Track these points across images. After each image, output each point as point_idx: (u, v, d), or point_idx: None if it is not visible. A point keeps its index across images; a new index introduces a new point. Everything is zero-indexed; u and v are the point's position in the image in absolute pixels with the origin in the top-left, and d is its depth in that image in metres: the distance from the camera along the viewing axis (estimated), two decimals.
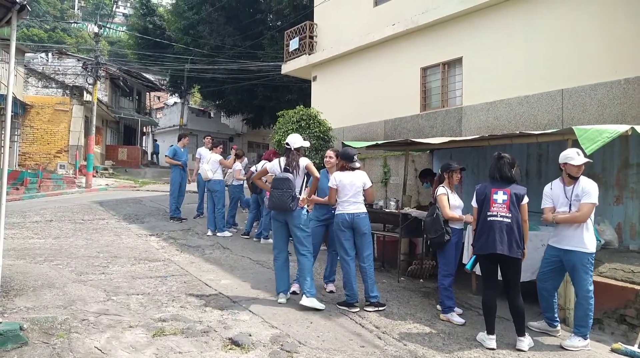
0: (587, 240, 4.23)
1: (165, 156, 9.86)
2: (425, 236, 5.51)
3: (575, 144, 4.57)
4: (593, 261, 4.24)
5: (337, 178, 5.13)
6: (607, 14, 6.92)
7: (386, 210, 6.85)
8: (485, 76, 8.57)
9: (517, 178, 4.42)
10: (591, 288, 4.20)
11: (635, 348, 4.13)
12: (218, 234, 8.49)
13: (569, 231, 4.29)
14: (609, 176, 6.04)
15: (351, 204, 5.10)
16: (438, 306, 5.22)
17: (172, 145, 9.99)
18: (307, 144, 5.38)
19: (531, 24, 7.87)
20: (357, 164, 5.22)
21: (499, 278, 4.38)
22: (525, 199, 4.31)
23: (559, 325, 4.57)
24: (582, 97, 7.14)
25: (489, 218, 4.24)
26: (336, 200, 5.16)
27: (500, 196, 4.25)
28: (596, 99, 6.96)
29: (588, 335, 4.23)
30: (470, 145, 6.60)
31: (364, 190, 5.17)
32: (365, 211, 5.19)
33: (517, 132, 6.60)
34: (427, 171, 7.26)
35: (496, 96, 8.34)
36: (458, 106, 9.08)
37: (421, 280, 6.54)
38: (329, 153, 5.67)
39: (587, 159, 4.26)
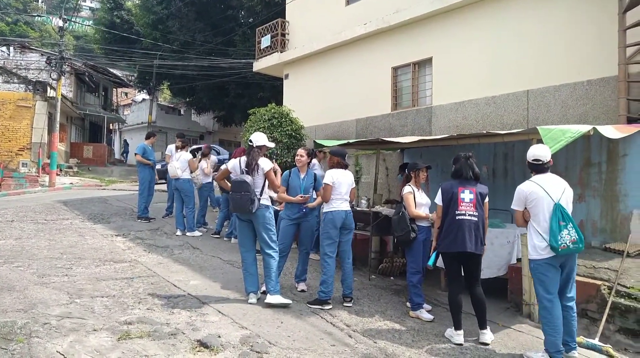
0: (529, 247, 4.09)
1: (135, 154, 9.52)
2: (393, 234, 5.57)
3: (540, 143, 4.68)
4: (538, 269, 3.92)
5: (334, 176, 5.15)
6: (571, 17, 7.14)
7: (357, 208, 6.87)
8: (454, 77, 8.71)
9: (481, 177, 4.55)
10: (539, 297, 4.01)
11: (596, 341, 4.27)
12: (188, 234, 8.34)
13: None
14: (572, 175, 6.23)
15: (344, 202, 5.19)
16: (408, 304, 5.27)
17: (141, 143, 9.66)
18: (271, 145, 5.36)
19: (498, 26, 8.04)
20: (347, 163, 5.33)
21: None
22: (487, 198, 4.42)
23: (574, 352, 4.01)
24: (546, 98, 7.34)
25: (457, 217, 4.30)
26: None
27: (467, 195, 4.33)
28: (560, 100, 7.17)
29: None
30: (439, 144, 6.70)
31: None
32: None
33: (485, 132, 6.73)
34: (406, 164, 7.32)
35: (464, 96, 8.49)
36: (428, 105, 9.20)
37: (392, 278, 6.60)
38: (301, 151, 5.65)
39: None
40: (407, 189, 5.19)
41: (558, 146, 4.49)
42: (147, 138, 9.71)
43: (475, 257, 4.34)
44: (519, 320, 4.92)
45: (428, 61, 9.28)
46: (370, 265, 6.68)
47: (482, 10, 8.29)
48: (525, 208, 4.07)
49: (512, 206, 4.16)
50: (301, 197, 5.39)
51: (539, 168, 4.07)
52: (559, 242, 3.76)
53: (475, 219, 4.29)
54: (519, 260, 5.28)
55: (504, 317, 4.97)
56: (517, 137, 5.24)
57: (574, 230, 3.80)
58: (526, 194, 4.03)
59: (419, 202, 5.14)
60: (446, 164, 8.19)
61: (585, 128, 4.82)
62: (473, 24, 8.43)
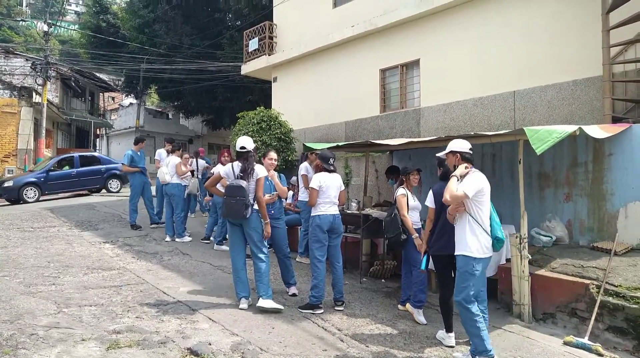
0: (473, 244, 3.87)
1: (122, 164, 9.32)
2: (385, 236, 5.58)
3: (526, 144, 4.72)
4: (475, 267, 3.81)
5: (321, 180, 5.13)
6: (556, 18, 7.21)
7: (347, 211, 6.88)
8: (441, 78, 8.75)
9: None
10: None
11: (585, 340, 4.30)
12: (177, 239, 8.27)
13: None
14: (559, 175, 6.28)
15: (332, 206, 5.17)
16: (400, 306, 5.28)
17: (128, 150, 9.46)
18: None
19: (485, 28, 8.10)
20: (333, 167, 5.29)
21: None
22: None
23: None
24: (532, 98, 7.41)
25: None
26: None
27: None
28: (546, 101, 7.24)
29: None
30: (428, 146, 6.70)
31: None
32: None
33: (472, 133, 6.76)
34: (394, 168, 7.33)
35: (452, 98, 8.54)
36: (416, 107, 9.23)
37: (383, 280, 6.60)
38: (274, 154, 5.70)
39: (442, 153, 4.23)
40: (400, 191, 5.20)
41: (545, 146, 4.52)
42: (136, 143, 9.54)
43: None
44: (510, 320, 4.94)
45: (416, 63, 9.32)
46: (361, 268, 6.68)
47: (468, 11, 8.34)
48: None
49: (465, 192, 3.71)
50: (269, 196, 5.34)
51: (471, 159, 4.00)
52: (503, 236, 3.83)
53: None
54: (508, 260, 5.30)
55: (494, 317, 4.98)
56: (504, 138, 5.27)
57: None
58: (482, 186, 3.83)
59: (411, 205, 5.16)
60: (435, 166, 8.23)
61: (571, 128, 4.86)
62: (459, 25, 8.48)
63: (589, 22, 6.68)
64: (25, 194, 13.70)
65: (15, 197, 13.65)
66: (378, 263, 6.75)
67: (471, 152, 4.01)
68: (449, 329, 4.32)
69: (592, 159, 5.97)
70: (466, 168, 3.91)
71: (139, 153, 9.22)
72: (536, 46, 7.42)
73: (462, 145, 4.01)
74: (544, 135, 4.59)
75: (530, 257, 5.06)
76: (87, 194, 15.56)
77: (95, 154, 17.31)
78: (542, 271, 5.17)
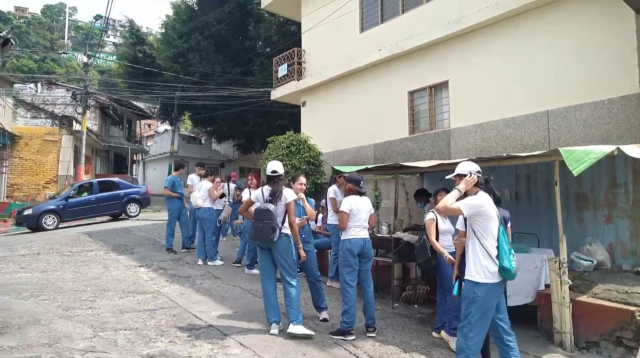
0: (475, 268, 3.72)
1: (165, 187, 9.54)
2: (416, 261, 5.49)
3: (562, 165, 4.60)
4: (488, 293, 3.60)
5: (352, 203, 5.12)
6: (588, 36, 7.08)
7: (378, 235, 6.80)
8: (471, 99, 8.68)
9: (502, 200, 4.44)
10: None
11: None
12: (209, 263, 8.36)
13: None
14: (598, 196, 6.07)
15: (363, 229, 5.14)
16: (434, 333, 5.14)
17: (170, 176, 9.72)
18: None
19: (514, 47, 8.03)
20: (363, 190, 5.29)
21: None
22: (509, 222, 4.32)
23: None
24: (567, 118, 7.24)
25: None
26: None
27: None
28: (581, 120, 7.06)
29: None
30: None
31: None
32: None
33: (505, 154, 6.64)
34: (422, 191, 7.26)
35: (483, 118, 8.43)
36: (446, 128, 9.16)
37: (416, 306, 6.45)
38: (303, 179, 5.75)
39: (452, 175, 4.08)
40: (429, 215, 5.13)
41: (582, 167, 4.39)
42: (176, 169, 9.80)
43: None
44: (550, 349, 4.73)
45: (444, 84, 9.29)
46: (393, 292, 6.56)
47: (497, 32, 8.30)
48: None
49: (460, 207, 3.62)
50: (300, 220, 5.40)
51: (480, 182, 3.85)
52: (512, 265, 3.55)
53: None
54: (547, 285, 5.11)
55: (534, 346, 4.79)
56: (539, 159, 5.15)
57: (514, 256, 3.65)
58: (484, 207, 3.64)
59: (442, 228, 5.06)
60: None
61: (609, 148, 4.71)
62: (488, 45, 8.43)
63: (623, 39, 6.53)
64: (44, 222, 13.73)
65: (34, 224, 13.67)
66: (410, 288, 6.62)
67: (480, 174, 3.88)
68: (485, 356, 4.16)
69: (632, 180, 5.76)
70: (476, 184, 3.79)
71: (179, 179, 9.46)
72: (569, 64, 7.28)
73: (469, 168, 3.91)
74: (581, 156, 4.47)
75: (571, 282, 4.88)
76: (113, 220, 15.63)
77: (114, 179, 17.35)
78: (584, 298, 4.96)
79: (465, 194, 3.77)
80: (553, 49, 7.49)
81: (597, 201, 6.09)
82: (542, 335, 5.10)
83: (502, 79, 8.19)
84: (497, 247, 3.60)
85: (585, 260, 5.69)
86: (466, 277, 3.71)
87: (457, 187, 3.78)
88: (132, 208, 15.76)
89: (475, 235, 3.69)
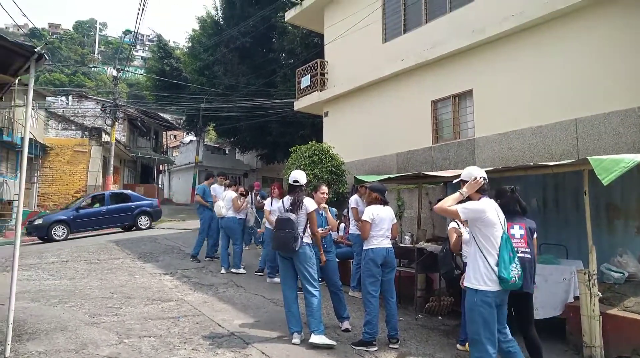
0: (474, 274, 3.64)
1: (196, 194, 9.80)
2: (439, 271, 5.41)
3: (592, 174, 4.48)
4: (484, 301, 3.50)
5: (374, 212, 5.09)
6: (615, 42, 6.92)
7: (401, 245, 6.74)
8: (496, 107, 8.57)
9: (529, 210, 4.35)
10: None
11: None
12: (233, 270, 8.44)
13: None
14: (629, 206, 5.89)
15: (385, 239, 5.10)
16: (458, 346, 5.04)
17: (201, 184, 9.91)
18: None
19: (539, 55, 7.91)
20: (386, 199, 5.29)
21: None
22: (536, 233, 4.22)
23: None
24: (596, 126, 7.06)
25: None
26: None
27: (517, 231, 4.14)
28: (611, 128, 6.88)
29: None
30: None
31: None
32: None
33: (532, 163, 6.52)
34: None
35: (509, 127, 8.30)
36: (470, 137, 9.05)
37: (440, 317, 6.34)
38: (325, 188, 5.75)
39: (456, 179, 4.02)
40: (452, 224, 5.06)
41: (612, 176, 4.27)
42: (206, 178, 10.01)
43: (526, 296, 4.10)
44: None
45: (468, 93, 9.20)
46: (416, 303, 6.46)
47: (522, 40, 8.19)
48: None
49: (458, 210, 3.55)
50: (322, 230, 5.42)
51: (484, 188, 3.74)
52: (510, 275, 3.41)
53: (529, 256, 4.09)
54: (576, 298, 4.96)
55: None
56: (567, 168, 5.04)
57: (518, 264, 3.51)
58: (484, 213, 3.54)
59: (465, 239, 4.97)
60: (492, 198, 7.96)
61: (639, 157, 4.58)
62: (513, 54, 8.33)
63: None
64: (54, 233, 13.71)
65: (44, 234, 13.67)
66: (434, 299, 6.52)
67: (485, 180, 3.76)
68: None
69: None
70: (480, 190, 3.71)
71: (209, 188, 9.65)
72: (595, 72, 7.13)
73: (474, 173, 3.80)
74: (610, 164, 4.35)
75: (601, 295, 4.72)
76: (137, 229, 15.56)
77: (126, 191, 17.43)
78: (614, 311, 4.79)
79: (469, 199, 3.72)
80: (580, 57, 7.35)
81: (628, 211, 5.91)
82: (570, 348, 4.94)
83: (528, 88, 8.06)
84: (499, 255, 3.50)
85: (616, 272, 5.51)
86: (466, 284, 3.63)
87: (460, 190, 3.73)
88: (143, 221, 15.71)
89: (475, 241, 3.61)
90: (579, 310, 4.76)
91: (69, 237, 14.04)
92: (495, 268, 3.45)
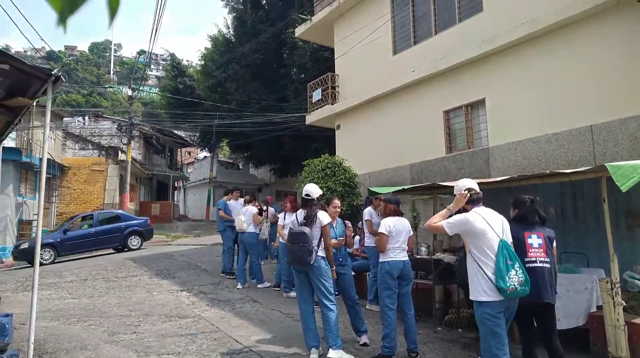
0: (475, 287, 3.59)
1: (219, 209, 9.80)
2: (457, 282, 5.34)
3: (610, 181, 4.41)
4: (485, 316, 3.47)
5: (391, 224, 5.07)
6: (628, 47, 6.85)
7: (417, 256, 6.68)
8: (510, 116, 8.50)
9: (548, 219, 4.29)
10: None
11: None
12: (259, 286, 8.53)
13: None
14: None
15: (402, 251, 5.07)
16: None
17: (221, 199, 9.97)
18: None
19: (552, 62, 7.85)
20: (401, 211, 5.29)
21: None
22: (555, 242, 4.15)
23: None
24: (612, 132, 6.97)
25: (527, 265, 3.93)
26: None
27: (535, 240, 4.07)
28: (627, 133, 6.78)
29: None
30: (499, 186, 6.46)
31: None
32: None
33: (548, 171, 6.44)
34: (458, 211, 7.12)
35: (523, 135, 8.23)
36: (484, 146, 8.98)
37: (459, 330, 6.24)
38: (338, 202, 5.73)
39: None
40: None
41: (630, 183, 4.19)
42: (226, 194, 10.07)
43: (549, 307, 4.02)
44: None
45: (481, 102, 9.15)
46: (435, 316, 6.37)
47: (534, 47, 8.15)
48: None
49: (444, 226, 3.61)
50: (337, 241, 5.45)
51: (473, 199, 3.72)
52: (508, 284, 3.33)
53: (548, 265, 4.01)
54: (599, 307, 4.85)
55: None
56: (584, 176, 4.96)
57: (520, 271, 3.42)
58: (471, 225, 3.53)
59: None
60: (509, 207, 7.86)
61: None
62: (526, 61, 8.29)
63: None
64: (41, 257, 13.20)
65: (30, 259, 12.58)
66: (453, 311, 6.42)
67: (473, 191, 3.75)
68: None
69: None
70: (471, 201, 3.69)
71: (228, 203, 9.71)
72: (610, 77, 7.05)
73: (461, 185, 3.81)
74: (629, 171, 4.28)
75: (625, 304, 4.60)
76: (123, 250, 15.00)
77: (116, 211, 17.08)
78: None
79: (463, 211, 3.72)
80: (594, 62, 7.28)
81: None
82: None
83: (541, 95, 8.00)
84: (496, 264, 3.42)
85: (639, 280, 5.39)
86: (470, 297, 3.58)
87: (447, 206, 3.74)
88: (134, 241, 15.11)
89: (471, 253, 3.58)
90: (602, 320, 4.65)
91: (55, 261, 13.40)
92: (493, 278, 3.40)
